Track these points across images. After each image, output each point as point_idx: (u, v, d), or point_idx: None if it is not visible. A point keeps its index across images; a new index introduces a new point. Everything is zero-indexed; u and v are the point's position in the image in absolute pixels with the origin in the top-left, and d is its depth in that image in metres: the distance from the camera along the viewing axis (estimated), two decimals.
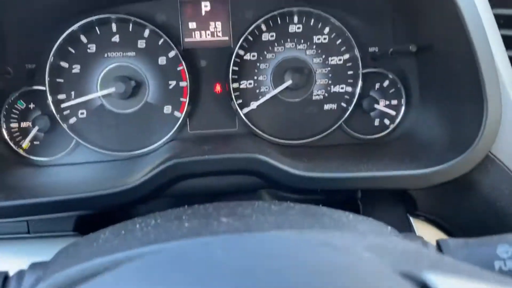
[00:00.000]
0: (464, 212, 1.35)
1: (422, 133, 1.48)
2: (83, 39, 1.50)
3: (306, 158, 1.40)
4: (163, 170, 1.19)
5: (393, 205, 1.45)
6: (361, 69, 1.57)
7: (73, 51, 1.51)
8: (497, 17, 1.25)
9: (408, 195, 1.43)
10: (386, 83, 1.62)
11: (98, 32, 1.51)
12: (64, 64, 1.50)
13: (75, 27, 1.46)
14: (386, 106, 1.62)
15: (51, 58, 1.46)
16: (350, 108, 1.59)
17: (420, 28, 1.36)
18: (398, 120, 1.61)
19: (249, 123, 1.58)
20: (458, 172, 1.21)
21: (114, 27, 1.51)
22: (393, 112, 1.61)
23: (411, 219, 1.44)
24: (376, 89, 1.62)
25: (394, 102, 1.62)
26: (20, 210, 1.15)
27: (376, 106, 1.60)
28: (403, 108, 1.60)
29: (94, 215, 1.36)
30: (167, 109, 1.57)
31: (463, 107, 1.28)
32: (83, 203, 1.18)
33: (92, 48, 1.51)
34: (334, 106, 1.62)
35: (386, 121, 1.63)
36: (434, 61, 1.38)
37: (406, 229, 1.41)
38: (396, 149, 1.50)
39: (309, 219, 0.81)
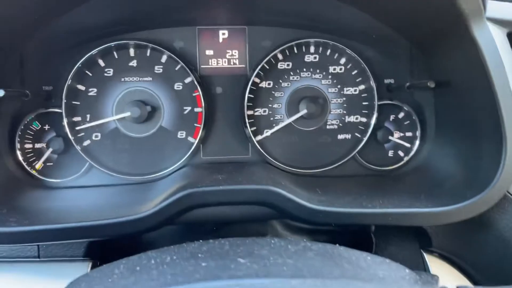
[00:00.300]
0: (480, 250, 1.33)
1: (437, 168, 1.47)
2: (101, 63, 1.52)
3: (320, 189, 1.39)
4: (177, 199, 1.18)
5: (407, 240, 1.42)
6: (376, 100, 1.56)
7: (90, 74, 1.52)
8: None
9: (423, 231, 1.40)
10: (401, 115, 1.61)
11: (116, 56, 1.53)
12: (81, 87, 1.51)
13: (94, 51, 1.47)
14: (400, 138, 1.61)
15: (68, 81, 1.47)
16: (365, 139, 1.58)
17: (439, 63, 1.36)
18: (412, 153, 1.60)
19: (262, 151, 1.57)
20: (475, 212, 1.18)
21: (132, 52, 1.53)
22: (407, 144, 1.60)
23: (425, 254, 1.42)
24: (390, 120, 1.62)
25: (409, 134, 1.61)
26: (31, 236, 1.14)
27: (390, 137, 1.59)
28: (417, 141, 1.59)
29: (106, 241, 1.34)
30: (181, 134, 1.57)
31: (480, 144, 1.26)
32: (94, 230, 1.16)
33: (110, 72, 1.53)
34: (348, 136, 1.62)
35: (400, 153, 1.62)
36: (452, 96, 1.37)
37: (419, 265, 1.38)
38: (410, 183, 1.48)
39: (328, 263, 0.79)
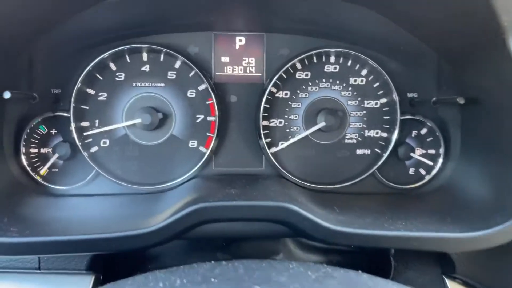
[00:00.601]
0: (508, 279, 1.24)
1: (463, 188, 1.38)
2: (112, 66, 1.46)
3: (338, 207, 1.31)
4: (188, 214, 1.11)
5: (428, 265, 1.34)
6: (399, 114, 1.48)
7: (101, 78, 1.46)
8: None
9: (446, 255, 1.32)
10: (423, 130, 1.53)
11: (128, 60, 1.47)
12: (91, 91, 1.45)
13: (105, 54, 1.41)
14: (422, 155, 1.53)
15: (78, 84, 1.41)
16: (385, 155, 1.50)
17: (470, 78, 1.28)
18: (435, 171, 1.52)
19: (276, 164, 1.50)
20: (506, 238, 1.10)
21: (145, 56, 1.47)
22: (430, 162, 1.52)
23: (447, 280, 1.33)
24: (412, 136, 1.54)
25: (432, 151, 1.53)
26: (32, 248, 1.07)
27: (412, 154, 1.51)
28: (441, 158, 1.51)
29: (110, 253, 1.28)
30: (193, 143, 1.50)
31: (511, 166, 1.18)
32: (99, 244, 1.09)
33: (121, 76, 1.47)
34: (367, 151, 1.54)
35: (422, 171, 1.54)
36: (482, 114, 1.29)
37: None
38: (434, 203, 1.40)
39: None
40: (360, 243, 1.14)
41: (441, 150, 1.51)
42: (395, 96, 1.48)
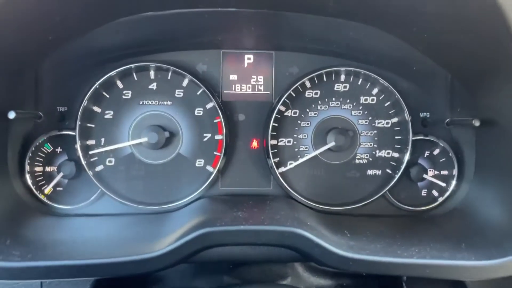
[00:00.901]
0: None
1: (477, 212, 1.34)
2: (119, 84, 1.44)
3: (348, 231, 1.27)
4: (194, 238, 1.07)
5: None
6: (411, 135, 1.45)
7: (108, 96, 1.44)
8: None
9: (460, 282, 1.27)
10: (436, 151, 1.49)
11: (136, 78, 1.45)
12: (97, 109, 1.44)
13: (112, 72, 1.39)
14: (435, 176, 1.49)
15: (84, 102, 1.39)
16: (397, 176, 1.47)
17: (485, 100, 1.25)
18: (448, 193, 1.48)
19: (285, 184, 1.47)
20: None
21: (152, 74, 1.45)
22: (442, 184, 1.48)
23: None
24: (425, 157, 1.50)
25: (445, 172, 1.49)
26: (34, 272, 1.04)
27: (424, 175, 1.47)
28: (454, 180, 1.47)
29: (114, 278, 1.24)
30: (200, 162, 1.48)
31: None
32: (103, 269, 1.06)
33: (128, 94, 1.45)
34: (378, 172, 1.50)
35: (435, 193, 1.50)
36: (497, 136, 1.25)
37: None
38: (447, 227, 1.35)
39: None
40: (372, 270, 1.10)
41: (455, 172, 1.47)
42: (407, 116, 1.45)
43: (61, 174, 1.41)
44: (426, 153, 1.50)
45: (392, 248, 1.16)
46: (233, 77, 1.50)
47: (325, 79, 1.49)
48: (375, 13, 1.14)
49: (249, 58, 1.50)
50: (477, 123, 1.25)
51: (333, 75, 1.49)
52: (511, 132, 1.18)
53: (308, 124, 1.50)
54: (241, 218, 1.18)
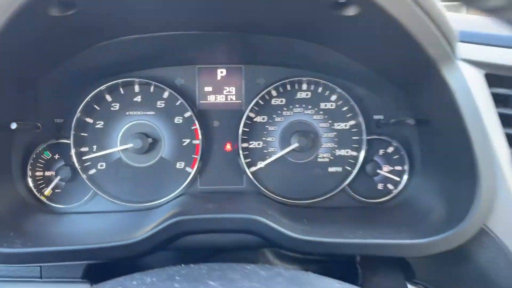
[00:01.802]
0: (461, 284, 1.36)
1: (422, 201, 1.52)
2: (108, 98, 1.65)
3: (307, 219, 1.45)
4: (165, 227, 1.27)
5: (392, 271, 1.46)
6: (365, 135, 1.64)
7: (98, 108, 1.65)
8: (494, 96, 1.29)
9: (407, 262, 1.44)
10: (390, 149, 1.68)
11: (122, 92, 1.66)
12: (89, 120, 1.64)
13: (102, 87, 1.60)
14: (389, 171, 1.67)
15: (77, 114, 1.60)
16: (354, 172, 1.65)
17: (419, 103, 1.43)
18: (401, 186, 1.66)
19: (255, 182, 1.66)
20: (452, 244, 1.22)
21: (137, 88, 1.66)
22: (396, 178, 1.66)
23: (410, 286, 1.45)
24: (380, 154, 1.69)
25: (398, 168, 1.67)
26: (34, 257, 1.24)
27: (379, 171, 1.65)
28: (406, 175, 1.65)
29: (104, 264, 1.43)
30: (180, 164, 1.67)
31: (459, 180, 1.31)
32: (93, 253, 1.25)
33: (116, 106, 1.66)
34: (339, 169, 1.69)
35: (390, 186, 1.68)
36: (432, 134, 1.44)
37: None
38: (395, 215, 1.53)
39: None
40: (321, 250, 1.28)
41: (406, 167, 1.65)
42: (361, 119, 1.64)
43: (59, 177, 1.62)
44: (381, 151, 1.69)
45: (340, 232, 1.33)
46: (208, 88, 1.71)
47: (289, 88, 1.68)
48: (315, 34, 1.35)
49: (221, 72, 1.71)
50: (412, 122, 1.44)
51: (296, 85, 1.68)
52: (441, 130, 1.36)
53: (275, 128, 1.69)
54: (211, 209, 1.38)
